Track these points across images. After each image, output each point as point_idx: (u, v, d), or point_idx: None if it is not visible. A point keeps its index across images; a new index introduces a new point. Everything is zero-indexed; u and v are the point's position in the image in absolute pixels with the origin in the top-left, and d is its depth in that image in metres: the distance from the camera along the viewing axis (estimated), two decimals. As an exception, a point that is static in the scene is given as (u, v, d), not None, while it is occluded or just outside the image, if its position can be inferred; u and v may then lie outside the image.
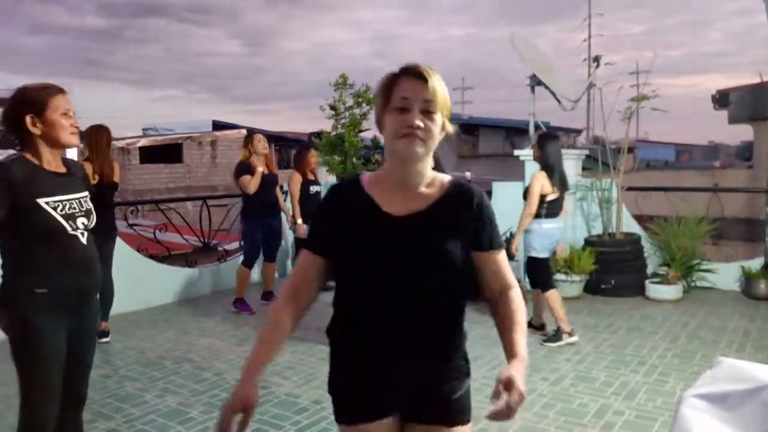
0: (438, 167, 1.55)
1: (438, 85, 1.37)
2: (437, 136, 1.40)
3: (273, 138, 22.44)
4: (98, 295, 2.51)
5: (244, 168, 5.66)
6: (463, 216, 1.43)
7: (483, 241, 1.45)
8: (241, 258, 6.05)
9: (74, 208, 2.24)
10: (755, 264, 6.28)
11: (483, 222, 1.45)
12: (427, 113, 1.36)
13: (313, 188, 6.30)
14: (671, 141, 36.99)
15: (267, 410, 3.56)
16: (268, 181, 5.75)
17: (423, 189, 1.44)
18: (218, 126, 21.65)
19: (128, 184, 17.23)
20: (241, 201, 5.93)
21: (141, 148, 17.99)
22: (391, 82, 1.39)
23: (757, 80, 11.61)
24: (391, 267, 1.38)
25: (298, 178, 6.23)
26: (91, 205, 2.35)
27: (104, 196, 4.70)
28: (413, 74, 1.37)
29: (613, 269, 6.22)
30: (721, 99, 13.32)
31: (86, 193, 2.35)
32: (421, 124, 1.34)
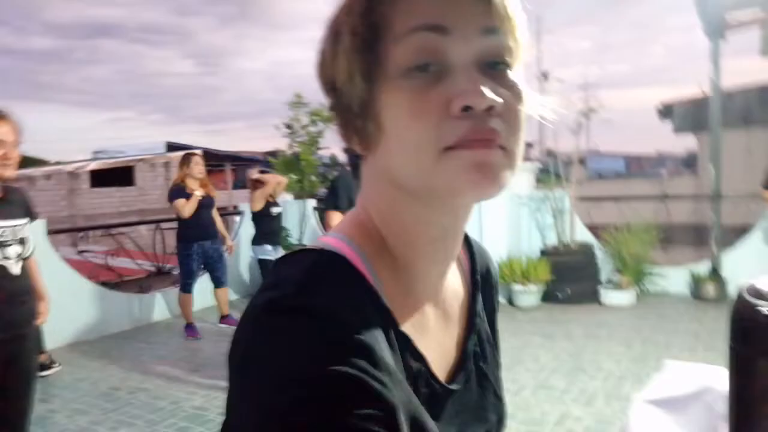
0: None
1: None
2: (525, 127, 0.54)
3: (229, 158, 22.24)
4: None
5: (178, 191, 5.52)
6: (492, 308, 0.75)
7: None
8: (203, 281, 5.90)
9: (6, 236, 2.14)
10: (703, 268, 6.50)
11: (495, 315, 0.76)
12: (496, 68, 0.52)
13: (275, 210, 6.22)
14: (621, 151, 38.16)
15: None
16: (204, 204, 5.60)
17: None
18: (172, 147, 21.31)
19: (78, 209, 16.76)
20: (177, 224, 5.73)
21: (91, 172, 17.55)
22: (381, 2, 0.51)
23: (698, 92, 12.12)
24: None
25: (262, 193, 6.14)
26: (27, 233, 2.26)
27: None
28: None
29: (569, 278, 6.34)
30: (666, 111, 13.81)
31: (23, 221, 2.26)
32: (496, 101, 0.49)
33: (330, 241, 0.56)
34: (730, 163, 6.92)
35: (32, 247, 2.26)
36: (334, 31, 0.54)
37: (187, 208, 5.45)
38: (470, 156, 0.49)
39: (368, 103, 0.52)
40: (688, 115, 12.96)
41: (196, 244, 5.56)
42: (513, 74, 0.53)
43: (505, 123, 0.50)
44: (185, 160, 5.67)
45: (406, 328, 0.55)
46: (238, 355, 0.48)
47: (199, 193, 5.50)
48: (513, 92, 0.51)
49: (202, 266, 5.72)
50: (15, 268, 2.15)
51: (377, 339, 0.49)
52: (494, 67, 0.51)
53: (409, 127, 0.50)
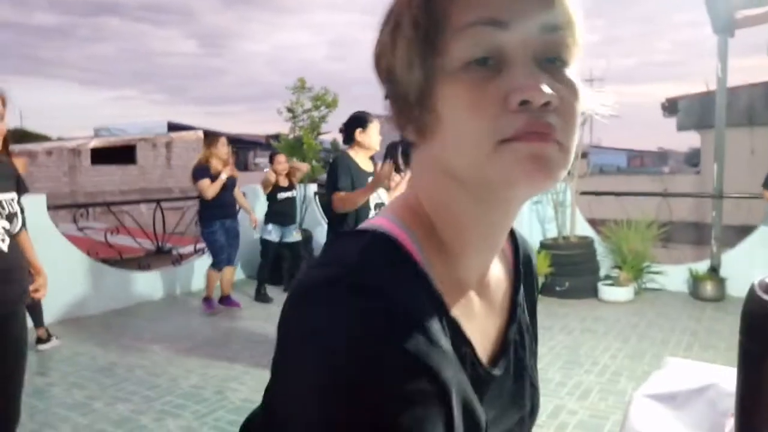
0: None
1: None
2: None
3: (230, 140, 22.20)
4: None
5: (203, 171, 5.58)
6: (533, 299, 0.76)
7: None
8: (202, 260, 5.97)
9: None
10: (702, 266, 6.50)
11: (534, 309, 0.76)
12: (555, 65, 0.53)
13: (282, 195, 6.29)
14: (623, 147, 38.10)
15: (223, 416, 3.50)
16: (228, 185, 5.69)
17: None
18: (173, 127, 21.25)
19: (79, 186, 16.75)
20: (198, 204, 5.82)
21: (93, 150, 17.52)
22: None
23: (704, 89, 12.07)
24: None
25: (271, 176, 6.28)
26: (17, 208, 2.19)
27: None
28: None
29: (568, 272, 6.35)
30: (671, 107, 13.77)
31: (12, 195, 2.18)
32: (553, 97, 0.50)
33: (383, 223, 0.57)
34: (733, 162, 6.91)
35: (20, 223, 2.19)
36: (395, 22, 0.56)
37: (210, 190, 5.54)
38: (526, 148, 0.50)
39: (426, 94, 0.54)
40: (692, 113, 12.92)
41: (219, 222, 5.65)
42: (570, 71, 0.53)
43: (561, 119, 0.51)
44: (212, 141, 5.77)
45: (454, 312, 0.56)
46: (293, 330, 0.50)
47: (224, 175, 5.58)
48: (569, 89, 0.52)
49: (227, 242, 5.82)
50: (3, 244, 2.08)
51: (431, 320, 0.50)
52: (552, 63, 0.52)
53: (467, 119, 0.51)
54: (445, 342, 0.51)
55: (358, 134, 3.70)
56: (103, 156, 17.70)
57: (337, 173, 3.60)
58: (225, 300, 6.02)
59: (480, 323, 0.61)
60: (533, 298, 0.74)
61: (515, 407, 0.65)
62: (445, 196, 0.58)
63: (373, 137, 3.71)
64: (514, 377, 0.65)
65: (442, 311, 0.54)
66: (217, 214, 5.65)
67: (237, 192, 5.97)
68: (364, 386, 0.43)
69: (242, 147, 24.94)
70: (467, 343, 0.56)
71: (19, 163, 4.67)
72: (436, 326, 0.50)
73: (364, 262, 0.51)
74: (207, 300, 5.92)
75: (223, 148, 5.69)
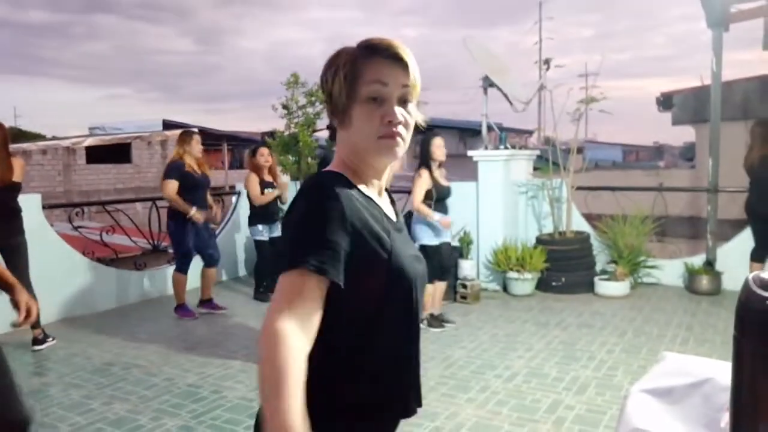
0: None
1: (416, 67, 1.14)
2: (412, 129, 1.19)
3: (226, 138, 22.12)
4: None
5: (175, 168, 5.47)
6: None
7: None
8: (197, 259, 5.85)
9: None
10: (697, 260, 6.52)
11: None
12: (405, 103, 1.13)
13: (267, 191, 6.21)
14: (618, 142, 38.12)
15: (220, 415, 3.49)
16: (202, 182, 5.57)
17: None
18: (169, 125, 21.17)
19: (74, 185, 16.69)
20: (168, 203, 5.63)
21: (87, 148, 17.44)
22: (358, 64, 1.11)
23: (699, 84, 12.08)
24: (413, 284, 1.14)
25: (254, 178, 6.17)
26: None
27: (4, 199, 4.50)
28: (388, 55, 1.11)
29: (564, 267, 6.36)
30: (665, 101, 13.78)
31: None
32: (402, 119, 1.11)
33: (332, 168, 1.18)
34: (728, 156, 6.91)
35: None
36: (335, 69, 1.15)
37: (170, 190, 5.41)
38: (389, 143, 1.13)
39: (346, 107, 1.13)
40: (687, 107, 12.93)
41: (190, 224, 5.51)
42: (411, 106, 1.16)
43: (405, 129, 1.15)
44: (185, 138, 5.62)
45: (368, 195, 1.17)
46: (299, 202, 1.10)
47: (192, 213, 5.45)
48: (410, 115, 1.16)
49: (197, 245, 5.69)
50: None
51: (356, 196, 1.11)
52: (404, 102, 1.14)
53: (366, 124, 1.12)
54: (365, 204, 1.12)
55: None
56: (98, 155, 17.62)
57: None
58: (206, 304, 5.86)
59: (383, 206, 1.20)
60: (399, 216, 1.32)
61: (411, 246, 1.24)
62: (354, 159, 1.17)
63: None
64: (406, 235, 1.24)
65: (362, 195, 1.14)
66: (185, 215, 5.46)
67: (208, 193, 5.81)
68: (315, 222, 1.05)
69: (238, 144, 24.87)
70: (378, 207, 1.17)
71: (17, 165, 4.66)
72: (360, 199, 1.12)
73: (327, 180, 1.12)
74: (180, 307, 5.68)
75: (197, 146, 5.57)
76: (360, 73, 1.10)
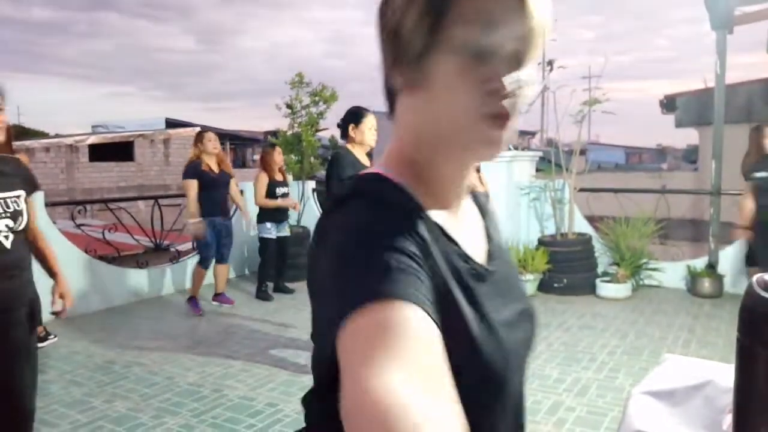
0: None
1: (545, 5, 0.67)
2: None
3: (228, 136, 22.15)
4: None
5: (193, 168, 5.53)
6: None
7: None
8: (197, 258, 5.92)
9: None
10: (700, 263, 6.51)
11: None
12: (519, 64, 0.66)
13: (280, 189, 6.26)
14: (621, 144, 38.09)
15: (221, 413, 3.50)
16: (219, 181, 5.63)
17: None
18: (171, 124, 21.20)
19: (77, 183, 16.72)
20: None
21: (90, 146, 17.48)
22: None
23: (702, 86, 12.07)
24: (507, 365, 0.70)
25: (263, 178, 6.19)
26: (22, 206, 2.20)
27: None
28: None
29: (566, 268, 6.35)
30: (669, 104, 13.77)
31: (17, 193, 2.18)
32: (517, 90, 0.66)
33: (378, 171, 0.73)
34: (731, 159, 6.90)
35: (24, 221, 2.19)
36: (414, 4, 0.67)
37: (192, 192, 5.46)
38: (495, 132, 0.66)
39: (424, 56, 0.67)
40: (691, 109, 12.92)
41: (207, 220, 5.57)
42: (529, 70, 0.67)
43: (517, 106, 0.67)
44: (198, 138, 5.68)
45: (438, 221, 0.71)
46: (336, 221, 0.67)
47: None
48: (527, 83, 0.67)
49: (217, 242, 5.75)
50: (6, 242, 2.10)
51: (414, 221, 0.67)
52: (518, 63, 0.66)
53: (461, 91, 0.66)
54: (428, 236, 0.67)
55: (351, 130, 3.73)
56: (101, 153, 17.65)
57: (341, 165, 3.61)
58: (219, 297, 6.01)
59: (465, 234, 0.76)
60: (499, 234, 0.88)
61: (514, 297, 0.79)
62: (425, 151, 0.72)
63: (366, 133, 3.74)
64: (508, 274, 0.81)
65: (426, 218, 0.69)
66: (205, 212, 5.55)
67: (234, 190, 5.92)
68: (361, 252, 0.60)
69: (240, 143, 24.91)
70: (452, 241, 0.71)
71: (23, 160, 4.66)
72: (420, 227, 0.67)
73: (373, 192, 0.70)
74: (192, 299, 5.82)
75: (209, 144, 5.59)
76: (453, 4, 0.64)
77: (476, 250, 0.76)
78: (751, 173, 4.87)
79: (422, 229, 0.66)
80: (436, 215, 0.71)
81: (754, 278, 0.75)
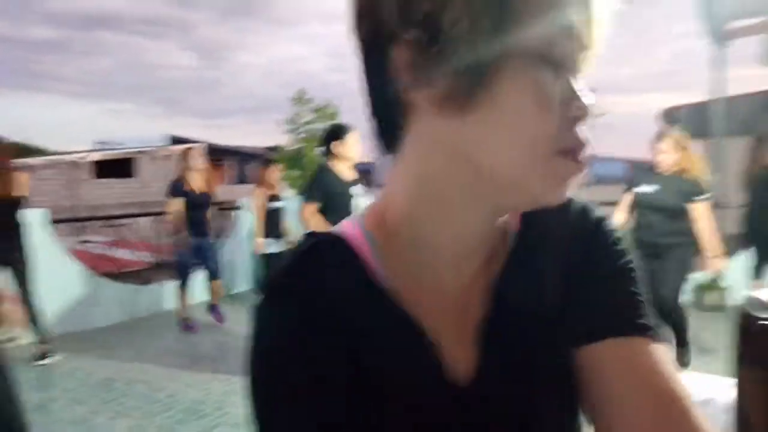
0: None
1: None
2: None
3: (230, 152, 22.22)
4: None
5: (175, 187, 5.50)
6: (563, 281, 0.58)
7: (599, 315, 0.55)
8: (203, 274, 5.93)
9: None
10: (704, 276, 6.47)
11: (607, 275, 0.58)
12: (578, 74, 0.50)
13: (277, 204, 6.24)
14: (621, 157, 38.06)
15: None
16: (198, 202, 5.55)
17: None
18: (176, 140, 21.27)
19: (79, 200, 16.75)
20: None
21: (92, 163, 17.55)
22: None
23: (702, 99, 12.10)
24: None
25: (258, 192, 6.17)
26: None
27: (3, 214, 4.50)
28: None
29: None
30: (669, 117, 13.79)
31: None
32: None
33: (342, 225, 0.57)
34: (734, 171, 6.91)
35: None
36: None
37: (173, 209, 5.44)
38: (573, 169, 0.49)
39: (484, 66, 0.45)
40: (691, 122, 12.93)
41: (188, 239, 5.52)
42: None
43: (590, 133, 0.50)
44: (183, 155, 5.66)
45: (415, 311, 0.53)
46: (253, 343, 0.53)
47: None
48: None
49: (197, 261, 5.71)
50: None
51: (362, 319, 0.51)
52: (577, 73, 0.49)
53: (535, 116, 0.46)
54: (382, 340, 0.51)
55: (335, 146, 3.81)
56: (103, 169, 17.71)
57: (311, 186, 3.74)
58: (213, 309, 5.98)
59: (457, 324, 0.55)
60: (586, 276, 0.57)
61: (510, 425, 0.54)
62: (444, 185, 0.51)
63: (349, 148, 3.80)
64: (503, 386, 0.54)
65: (392, 310, 0.52)
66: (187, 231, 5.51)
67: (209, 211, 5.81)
68: (273, 382, 0.49)
69: (241, 159, 24.97)
70: (425, 341, 0.53)
71: (19, 179, 4.68)
72: (371, 325, 0.51)
73: (297, 264, 0.53)
74: (182, 321, 5.78)
75: (193, 161, 5.53)
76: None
77: (466, 343, 0.54)
78: (632, 185, 4.18)
79: (369, 335, 0.51)
80: (416, 298, 0.54)
81: (747, 297, 0.76)
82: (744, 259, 6.17)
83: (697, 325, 5.60)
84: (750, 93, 11.77)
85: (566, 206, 0.60)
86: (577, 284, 0.56)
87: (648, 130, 4.24)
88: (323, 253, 0.53)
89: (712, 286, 6.27)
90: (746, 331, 0.75)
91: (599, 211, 0.64)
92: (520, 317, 0.55)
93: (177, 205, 5.44)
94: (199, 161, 5.58)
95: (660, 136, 4.01)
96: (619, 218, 4.23)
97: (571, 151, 0.48)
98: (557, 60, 0.46)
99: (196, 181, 5.55)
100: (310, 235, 0.55)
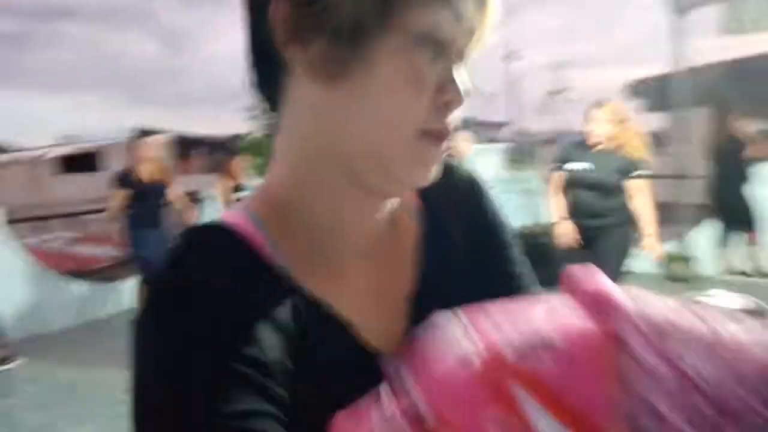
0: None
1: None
2: None
3: (197, 142, 21.87)
4: None
5: (121, 177, 5.29)
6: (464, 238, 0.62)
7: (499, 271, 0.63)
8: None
9: None
10: (670, 247, 6.56)
11: (493, 232, 0.65)
12: (460, 60, 0.50)
13: (235, 195, 6.14)
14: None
15: None
16: (148, 191, 5.29)
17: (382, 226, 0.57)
18: (143, 132, 20.83)
19: (42, 197, 16.36)
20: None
21: (55, 158, 17.14)
22: None
23: (665, 71, 12.21)
24: None
25: (223, 184, 6.07)
26: None
27: None
28: None
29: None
30: (634, 89, 13.91)
31: None
32: (464, 97, 0.50)
33: (224, 214, 0.54)
34: (697, 141, 6.98)
35: None
36: None
37: (113, 200, 5.25)
38: (434, 151, 0.50)
39: (360, 37, 0.45)
40: (656, 94, 13.07)
41: (136, 231, 5.26)
42: (464, 69, 0.51)
43: (454, 119, 0.50)
44: (133, 145, 5.47)
45: (318, 293, 0.50)
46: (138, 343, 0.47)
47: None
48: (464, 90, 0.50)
49: (146, 254, 5.31)
50: None
51: (261, 307, 0.46)
52: (460, 59, 0.50)
53: (406, 95, 0.46)
54: (285, 323, 0.46)
55: None
56: (67, 164, 17.32)
57: None
58: None
59: (373, 300, 0.54)
60: (484, 236, 0.63)
61: None
62: (328, 169, 0.51)
63: None
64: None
65: (292, 292, 0.48)
66: (132, 223, 5.25)
67: (176, 197, 5.63)
68: (160, 389, 0.43)
69: (211, 149, 24.58)
70: (336, 321, 0.50)
71: None
72: (272, 311, 0.46)
73: (183, 257, 0.48)
74: None
75: (144, 150, 5.30)
76: None
77: (388, 318, 0.53)
78: (562, 162, 3.84)
79: (269, 322, 0.45)
80: (318, 278, 0.51)
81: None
82: (709, 229, 6.25)
83: (668, 297, 5.68)
84: (712, 63, 11.90)
85: (452, 174, 0.63)
86: (478, 250, 0.62)
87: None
88: (209, 244, 0.49)
89: (677, 256, 6.34)
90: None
91: (478, 175, 0.67)
92: (445, 289, 0.56)
93: (118, 196, 5.21)
94: (146, 150, 5.35)
95: (597, 105, 3.66)
96: (557, 203, 3.86)
97: (434, 135, 0.49)
98: (441, 42, 0.47)
99: (147, 172, 5.33)
100: (190, 229, 0.51)
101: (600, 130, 3.61)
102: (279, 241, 0.50)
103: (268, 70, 0.51)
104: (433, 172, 0.51)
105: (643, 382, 0.27)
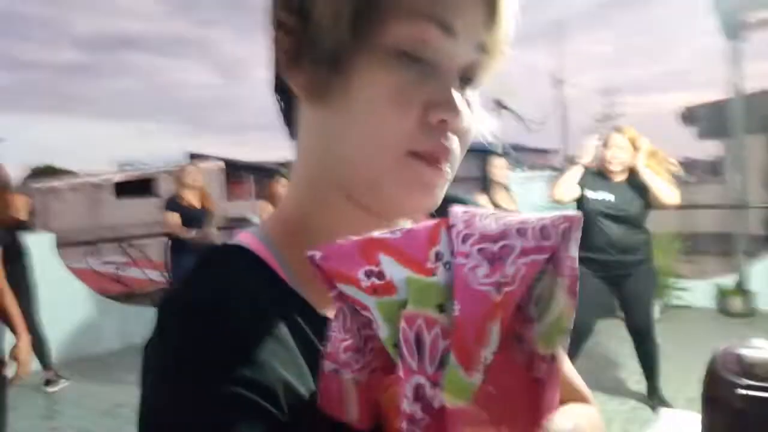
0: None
1: (513, 12, 0.49)
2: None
3: (251, 168, 22.40)
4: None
5: (170, 203, 5.41)
6: None
7: None
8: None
9: None
10: (728, 281, 6.24)
11: None
12: (468, 83, 0.50)
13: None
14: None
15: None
16: (193, 217, 5.39)
17: None
18: (196, 158, 21.51)
19: (102, 220, 17.00)
20: (168, 237, 5.58)
21: (116, 184, 17.82)
22: None
23: (721, 97, 11.80)
24: None
25: (263, 207, 6.12)
26: None
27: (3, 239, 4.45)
28: None
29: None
30: (689, 115, 13.49)
31: None
32: (466, 120, 0.48)
33: (240, 235, 0.53)
34: (757, 170, 6.68)
35: None
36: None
37: (171, 224, 5.33)
38: (426, 173, 0.48)
39: (343, 56, 0.46)
40: (711, 120, 12.63)
41: (180, 257, 5.36)
42: (474, 94, 0.50)
43: (458, 145, 0.49)
44: (178, 173, 5.60)
45: (329, 310, 0.47)
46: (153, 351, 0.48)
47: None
48: (471, 114, 0.49)
49: None
50: None
51: (272, 327, 0.45)
52: (466, 82, 0.49)
53: (389, 114, 0.45)
54: (294, 346, 0.46)
55: None
56: (126, 190, 17.98)
57: None
58: None
59: None
60: None
61: None
62: (322, 189, 0.52)
63: None
64: None
65: (305, 312, 0.48)
66: (178, 246, 5.35)
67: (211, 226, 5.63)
68: (172, 411, 0.43)
69: (262, 175, 25.12)
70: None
71: (18, 202, 4.66)
72: (283, 331, 0.45)
73: (196, 277, 0.48)
74: None
75: (188, 177, 5.41)
76: None
77: None
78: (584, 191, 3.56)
79: (280, 343, 0.44)
80: (321, 295, 0.48)
81: (718, 354, 0.63)
82: (770, 262, 5.93)
83: (720, 334, 5.38)
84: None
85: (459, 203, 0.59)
86: None
87: (667, 131, 3.97)
88: (223, 264, 0.49)
89: (734, 290, 6.01)
90: (715, 397, 0.62)
91: (472, 201, 0.66)
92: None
93: (173, 218, 5.33)
94: (191, 177, 5.47)
95: (616, 130, 3.52)
96: (569, 191, 3.55)
97: (425, 155, 0.47)
98: (427, 60, 0.45)
99: (192, 198, 5.46)
100: (205, 249, 0.52)
101: (619, 153, 3.42)
102: (289, 260, 0.50)
103: (285, 99, 0.53)
104: (434, 196, 0.49)
105: (453, 240, 0.38)
